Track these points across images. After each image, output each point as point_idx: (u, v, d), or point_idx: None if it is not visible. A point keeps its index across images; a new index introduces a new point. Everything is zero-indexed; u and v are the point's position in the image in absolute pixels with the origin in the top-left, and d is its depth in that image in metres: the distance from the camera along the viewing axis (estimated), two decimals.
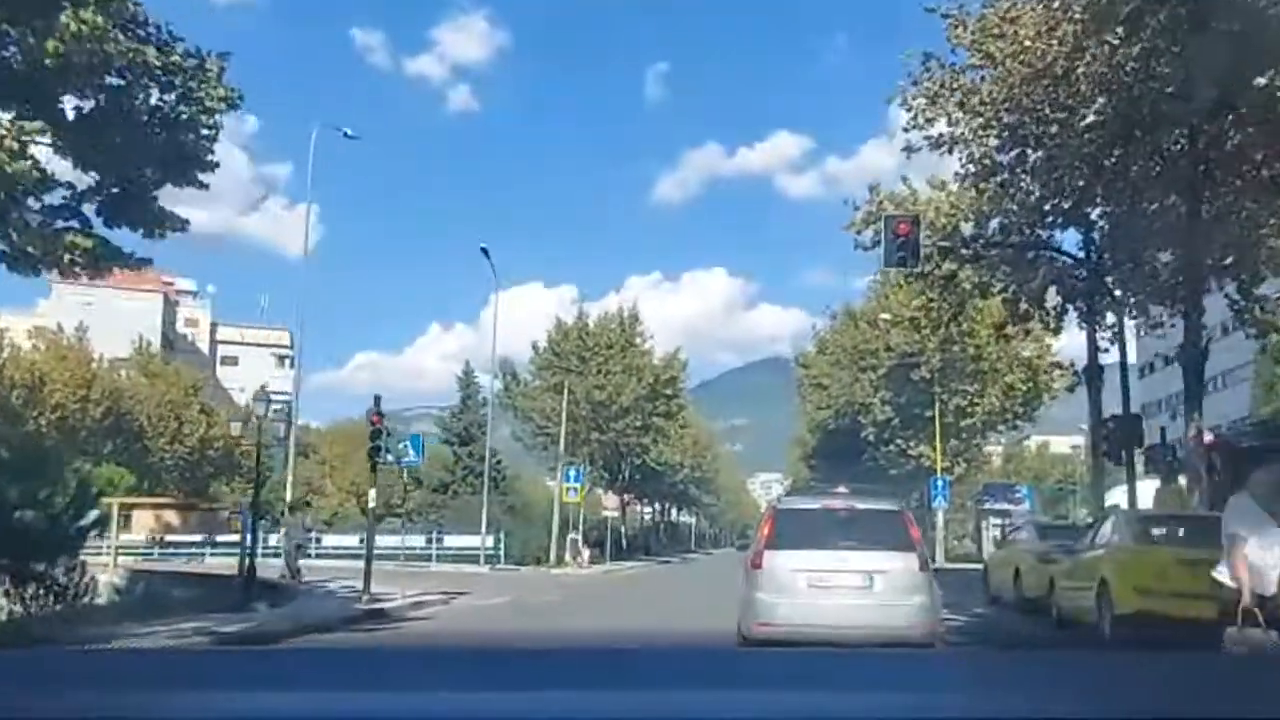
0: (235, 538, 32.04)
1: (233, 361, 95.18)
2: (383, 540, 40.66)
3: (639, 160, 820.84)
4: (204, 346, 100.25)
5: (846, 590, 9.25)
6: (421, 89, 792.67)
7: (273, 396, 18.06)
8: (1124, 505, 23.26)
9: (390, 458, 17.50)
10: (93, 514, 15.52)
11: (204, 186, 12.83)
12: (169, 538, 39.14)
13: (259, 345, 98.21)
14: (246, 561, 22.85)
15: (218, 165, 13.06)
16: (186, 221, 13.08)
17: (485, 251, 37.50)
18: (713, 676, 1.43)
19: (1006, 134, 18.15)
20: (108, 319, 74.49)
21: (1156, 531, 12.07)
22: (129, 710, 1.15)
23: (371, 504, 17.76)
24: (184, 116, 11.99)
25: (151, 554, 37.72)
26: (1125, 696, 1.31)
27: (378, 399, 16.96)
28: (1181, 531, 11.88)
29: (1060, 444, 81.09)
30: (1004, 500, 44.01)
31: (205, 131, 12.38)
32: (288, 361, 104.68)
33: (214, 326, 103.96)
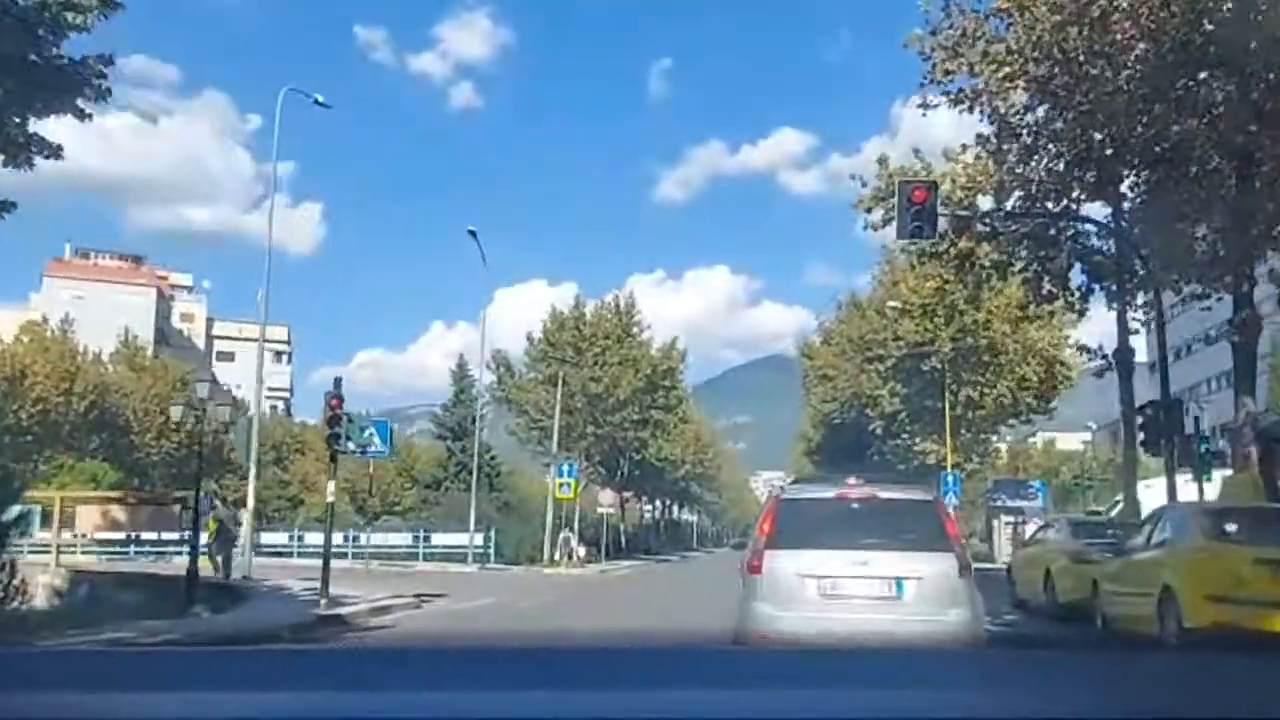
0: (205, 536, 30.44)
1: (229, 357, 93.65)
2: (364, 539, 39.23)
3: (642, 158, 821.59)
4: (200, 342, 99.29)
5: (868, 601, 7.46)
6: (424, 86, 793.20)
7: (218, 379, 16.35)
8: (1161, 499, 21.61)
9: (351, 446, 15.83)
10: (14, 510, 13.97)
11: (84, 116, 10.80)
12: (144, 535, 37.13)
13: (256, 340, 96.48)
14: (232, 561, 21.24)
15: (109, 94, 10.96)
16: (59, 147, 11.08)
17: (474, 234, 35.87)
18: (709, 676, 1.35)
19: (1035, 86, 16.38)
20: (101, 313, 73.61)
21: (1230, 527, 10.23)
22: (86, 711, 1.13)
23: (330, 498, 16.03)
24: (44, 14, 9.79)
25: (126, 552, 35.99)
26: (1130, 695, 1.29)
27: (338, 380, 15.34)
28: (1260, 527, 10.12)
29: (1066, 441, 79.72)
30: (1016, 497, 42.37)
31: (75, 35, 10.28)
32: (284, 357, 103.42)
33: (209, 322, 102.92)
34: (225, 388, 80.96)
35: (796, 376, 54.07)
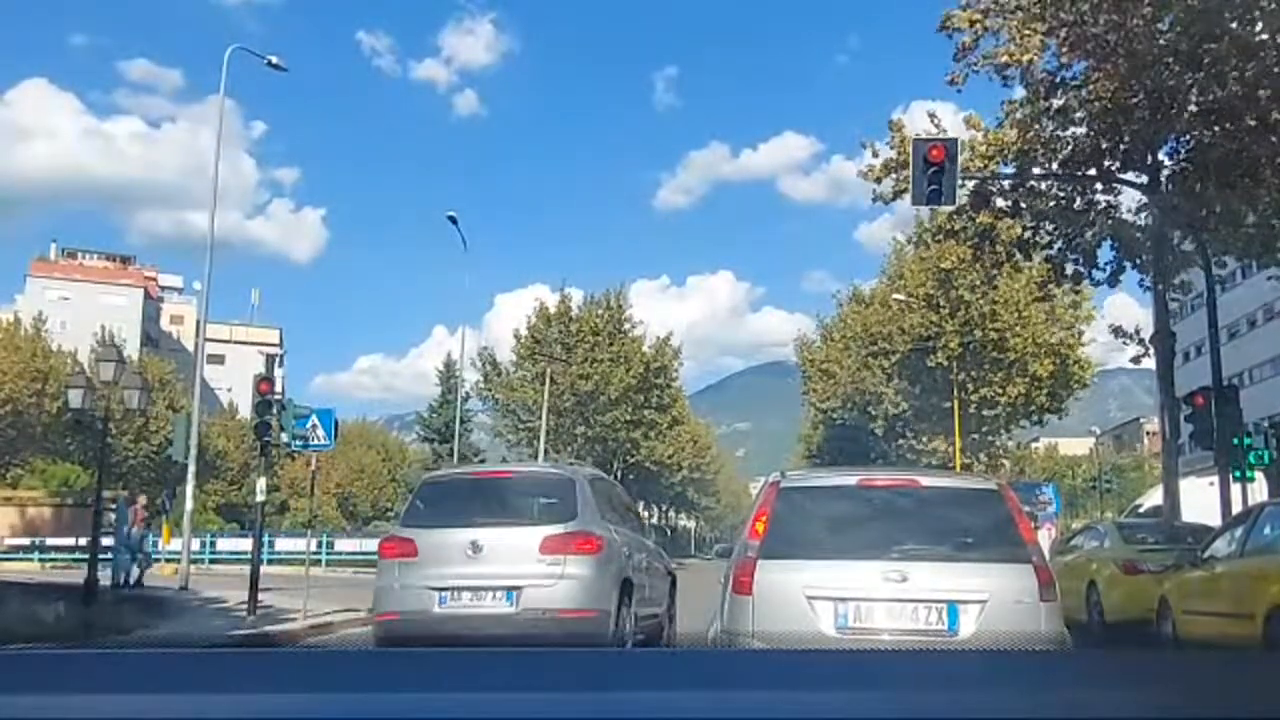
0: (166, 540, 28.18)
1: (219, 360, 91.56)
2: (343, 545, 37.07)
3: (646, 164, 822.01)
4: (189, 344, 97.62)
5: (909, 636, 5.29)
6: (428, 93, 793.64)
7: (124, 354, 14.28)
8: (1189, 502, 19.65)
9: (286, 438, 13.75)
10: None
11: None
12: (70, 541, 34.08)
13: (246, 344, 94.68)
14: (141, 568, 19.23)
15: None
16: None
17: (453, 219, 33.81)
18: (707, 677, 1.27)
19: (1070, 34, 14.30)
20: (87, 314, 72.04)
21: None
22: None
23: (261, 496, 13.99)
24: None
25: (30, 558, 33.15)
26: (1134, 695, 1.22)
27: (270, 360, 13.32)
28: None
29: (1066, 446, 78.66)
30: (1027, 501, 40.23)
31: None
32: (276, 360, 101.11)
33: (199, 324, 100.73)
34: (214, 390, 78.89)
35: (797, 384, 52.23)
